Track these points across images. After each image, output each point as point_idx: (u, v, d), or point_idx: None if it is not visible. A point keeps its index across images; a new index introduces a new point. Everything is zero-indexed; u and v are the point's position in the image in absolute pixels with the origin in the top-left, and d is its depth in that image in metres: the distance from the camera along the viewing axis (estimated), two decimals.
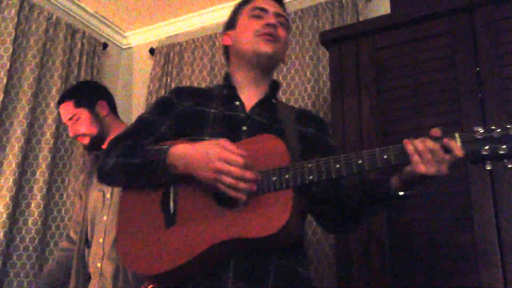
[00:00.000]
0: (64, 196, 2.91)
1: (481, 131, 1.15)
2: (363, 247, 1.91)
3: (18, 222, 2.70)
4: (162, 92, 3.23)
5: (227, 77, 1.57)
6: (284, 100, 2.68)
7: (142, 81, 3.51)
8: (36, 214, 2.73)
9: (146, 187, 1.37)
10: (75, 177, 2.93)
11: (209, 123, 1.43)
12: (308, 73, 2.76)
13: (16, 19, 2.83)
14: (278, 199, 1.22)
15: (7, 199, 2.62)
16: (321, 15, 2.84)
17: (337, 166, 1.22)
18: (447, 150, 1.16)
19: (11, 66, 2.78)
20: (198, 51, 3.25)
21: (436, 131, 1.20)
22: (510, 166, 1.14)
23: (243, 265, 1.24)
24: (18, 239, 2.67)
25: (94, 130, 2.25)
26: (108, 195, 2.16)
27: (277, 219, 1.19)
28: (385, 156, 1.20)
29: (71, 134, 2.31)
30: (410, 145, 1.18)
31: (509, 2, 1.93)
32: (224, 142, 1.26)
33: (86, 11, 3.39)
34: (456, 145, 1.16)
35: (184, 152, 1.28)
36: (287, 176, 1.24)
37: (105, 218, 2.13)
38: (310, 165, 1.24)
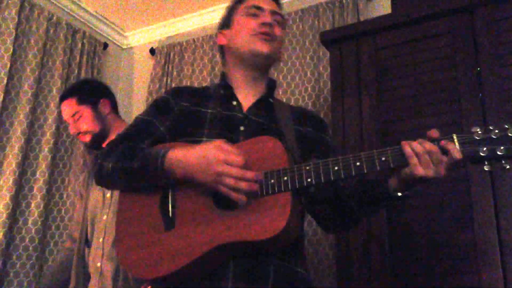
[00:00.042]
0: (64, 196, 2.91)
1: (479, 132, 1.15)
2: (363, 247, 1.91)
3: (18, 222, 2.70)
4: (163, 92, 3.23)
5: (224, 77, 1.56)
6: (284, 100, 2.68)
7: (143, 81, 3.51)
8: (36, 214, 2.73)
9: (144, 190, 1.37)
10: (75, 177, 2.93)
11: (206, 124, 1.42)
12: (308, 73, 2.76)
13: (16, 19, 2.83)
14: (277, 202, 1.22)
15: (7, 199, 2.62)
16: (322, 15, 2.84)
17: (336, 168, 1.22)
18: (445, 152, 1.16)
19: (11, 66, 2.78)
20: (199, 51, 3.26)
21: (433, 132, 1.20)
22: (508, 167, 1.14)
23: (242, 266, 1.24)
24: (18, 239, 2.67)
25: (96, 128, 2.24)
26: (108, 195, 2.16)
27: (276, 222, 1.19)
28: (383, 158, 1.19)
29: (72, 132, 2.29)
30: (408, 147, 1.17)
31: (509, 2, 1.93)
32: (222, 143, 1.25)
33: (87, 11, 3.39)
34: (454, 147, 1.15)
35: (182, 157, 1.27)
36: (285, 178, 1.23)
37: (105, 217, 2.12)
38: (308, 167, 1.24)
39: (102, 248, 2.09)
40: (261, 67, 1.52)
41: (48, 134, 2.88)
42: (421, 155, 1.16)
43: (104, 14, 3.46)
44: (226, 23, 1.58)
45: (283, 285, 1.26)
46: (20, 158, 2.71)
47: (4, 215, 2.59)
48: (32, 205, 2.75)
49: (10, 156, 2.70)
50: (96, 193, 2.21)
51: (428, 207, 1.86)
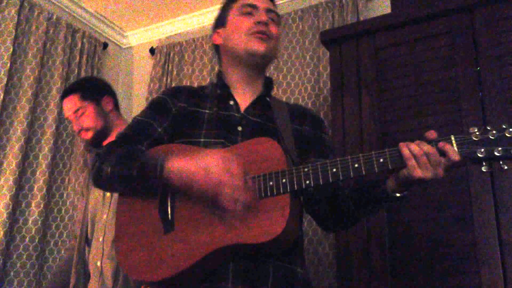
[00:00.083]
0: (64, 195, 2.92)
1: (477, 133, 1.15)
2: (363, 247, 1.91)
3: (19, 221, 2.70)
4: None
5: (220, 76, 1.54)
6: (284, 100, 2.68)
7: (142, 80, 3.51)
8: (36, 214, 2.73)
9: (143, 194, 1.36)
10: (75, 177, 2.94)
11: (204, 124, 1.41)
12: (308, 73, 2.76)
13: (16, 19, 2.83)
14: (276, 204, 1.22)
15: (8, 198, 2.62)
16: (322, 14, 2.84)
17: (334, 170, 1.22)
18: (443, 153, 1.16)
19: (11, 65, 2.78)
20: (198, 51, 3.26)
21: (431, 133, 1.19)
22: (506, 167, 1.14)
23: (242, 267, 1.24)
24: (18, 238, 2.67)
25: (98, 125, 2.23)
26: (108, 194, 2.16)
27: (275, 224, 1.19)
28: (381, 160, 1.19)
29: (75, 128, 2.28)
30: (406, 149, 1.17)
31: (509, 2, 1.93)
32: (223, 152, 1.23)
33: (87, 11, 3.39)
34: (452, 148, 1.15)
35: (181, 166, 1.25)
36: (284, 180, 1.23)
37: (105, 216, 2.12)
38: (306, 169, 1.23)
39: (102, 247, 2.09)
40: (258, 66, 1.51)
41: (48, 133, 2.88)
42: (419, 157, 1.16)
43: (104, 13, 3.46)
44: (220, 22, 1.57)
45: (282, 285, 1.26)
46: (20, 158, 2.71)
47: (5, 214, 2.59)
48: (32, 204, 2.75)
49: (10, 155, 2.70)
50: (97, 192, 2.21)
51: (428, 207, 1.86)
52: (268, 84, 1.55)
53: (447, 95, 1.95)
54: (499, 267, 1.69)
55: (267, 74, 1.59)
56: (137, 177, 1.30)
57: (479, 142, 1.14)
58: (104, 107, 2.27)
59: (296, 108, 1.59)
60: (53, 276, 2.35)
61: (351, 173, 1.20)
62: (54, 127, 2.91)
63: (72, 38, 3.17)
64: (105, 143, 2.24)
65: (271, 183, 1.23)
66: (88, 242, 2.18)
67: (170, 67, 3.32)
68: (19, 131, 2.75)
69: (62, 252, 2.80)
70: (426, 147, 1.16)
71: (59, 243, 2.82)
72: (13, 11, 2.83)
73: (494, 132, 1.13)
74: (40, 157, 2.84)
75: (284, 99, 2.71)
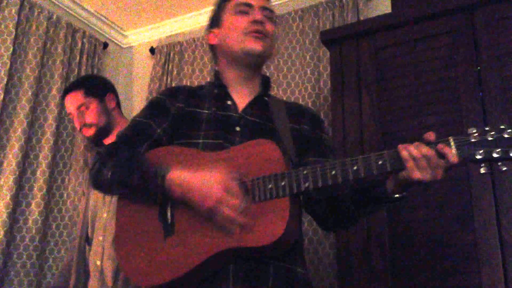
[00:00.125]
0: (65, 195, 2.91)
1: (475, 134, 1.15)
2: (363, 247, 1.91)
3: (19, 221, 2.70)
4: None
5: (217, 75, 1.54)
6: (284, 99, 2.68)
7: (143, 80, 3.51)
8: (36, 214, 2.73)
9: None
10: (75, 176, 2.93)
11: (202, 125, 1.41)
12: (308, 73, 2.76)
13: (16, 18, 2.83)
14: (275, 206, 1.22)
15: (8, 198, 2.62)
16: (322, 14, 2.83)
17: (333, 172, 1.22)
18: (441, 155, 1.16)
19: (11, 65, 2.78)
20: (199, 51, 3.25)
21: (430, 135, 1.19)
22: (505, 169, 1.14)
23: (242, 268, 1.24)
24: (18, 238, 2.67)
25: (101, 121, 2.23)
26: None
27: (275, 227, 1.19)
28: (380, 162, 1.19)
29: (78, 125, 2.28)
30: (405, 151, 1.17)
31: (509, 2, 1.93)
32: (225, 179, 1.23)
33: (87, 11, 3.39)
34: (451, 151, 1.15)
35: (182, 181, 1.26)
36: (283, 183, 1.23)
37: (105, 215, 2.12)
38: (305, 171, 1.24)
39: (102, 246, 2.09)
40: (255, 65, 1.50)
41: (48, 133, 2.88)
42: (418, 160, 1.16)
43: (104, 13, 3.46)
44: (215, 22, 1.56)
45: (283, 285, 1.27)
46: (20, 158, 2.71)
47: (5, 214, 2.59)
48: (33, 204, 2.75)
49: (10, 155, 2.70)
50: (97, 191, 2.21)
51: (429, 207, 1.86)
52: (266, 83, 1.55)
53: (447, 95, 1.95)
54: (499, 267, 1.69)
55: (267, 74, 1.59)
56: (137, 184, 1.31)
57: (478, 143, 1.14)
58: (107, 104, 2.28)
59: (294, 106, 1.58)
60: (57, 276, 2.35)
61: (350, 176, 1.21)
62: (54, 127, 2.90)
63: (72, 37, 3.17)
64: (105, 140, 2.25)
65: (270, 186, 1.23)
66: (88, 241, 2.18)
67: (170, 67, 3.32)
68: (19, 130, 2.75)
69: (62, 252, 2.80)
70: (425, 150, 1.16)
71: (59, 243, 2.82)
72: (13, 10, 2.83)
73: (492, 133, 1.14)
74: (40, 157, 2.84)
75: (284, 99, 2.71)
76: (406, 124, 1.99)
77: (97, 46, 3.36)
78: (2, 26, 2.78)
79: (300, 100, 2.73)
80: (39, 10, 3.00)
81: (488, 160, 1.14)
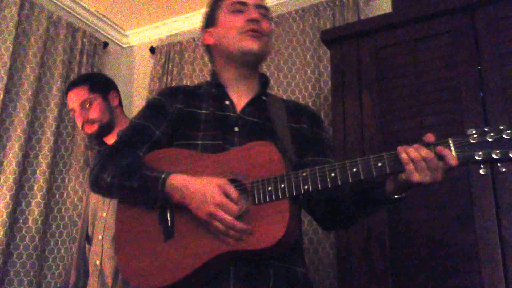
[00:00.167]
0: (64, 195, 2.91)
1: (474, 135, 1.14)
2: (363, 247, 1.91)
3: (19, 221, 2.70)
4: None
5: (214, 75, 1.53)
6: None
7: (143, 80, 3.51)
8: (36, 213, 2.73)
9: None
10: (75, 176, 2.93)
11: (201, 126, 1.41)
12: (309, 72, 2.76)
13: (16, 18, 2.83)
14: (275, 209, 1.22)
15: (7, 198, 2.62)
16: (322, 14, 2.83)
17: (332, 175, 1.22)
18: (441, 158, 1.16)
19: (11, 64, 2.78)
20: (199, 50, 3.25)
21: (429, 137, 1.19)
22: (504, 170, 1.14)
23: (243, 269, 1.25)
24: (18, 238, 2.67)
25: (105, 118, 2.23)
26: None
27: (276, 229, 1.19)
28: (380, 164, 1.19)
29: (80, 121, 2.26)
30: (404, 154, 1.17)
31: (510, 2, 1.92)
32: (224, 184, 1.23)
33: (87, 10, 3.39)
34: (450, 153, 1.15)
35: (182, 186, 1.26)
36: (282, 185, 1.23)
37: (104, 214, 2.12)
38: (305, 173, 1.23)
39: (101, 245, 2.09)
40: (252, 64, 1.50)
41: (48, 133, 2.88)
42: (417, 162, 1.16)
43: (104, 13, 3.46)
44: (210, 21, 1.55)
45: (283, 285, 1.27)
46: (20, 157, 2.71)
47: (4, 214, 2.59)
48: (32, 204, 2.75)
49: (10, 155, 2.70)
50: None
51: (429, 207, 1.86)
52: (264, 81, 1.54)
53: (448, 94, 1.94)
54: (500, 267, 1.68)
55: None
56: (137, 189, 1.30)
57: (477, 144, 1.14)
58: (110, 101, 2.29)
59: (292, 105, 1.57)
60: (66, 275, 2.35)
61: (350, 178, 1.20)
62: (54, 126, 2.90)
63: (73, 37, 3.17)
64: (106, 138, 2.25)
65: (269, 188, 1.23)
66: (89, 240, 2.18)
67: (170, 67, 3.32)
68: (19, 130, 2.74)
69: (62, 251, 2.80)
70: (424, 152, 1.16)
71: (59, 243, 2.82)
72: (13, 10, 2.83)
73: (492, 134, 1.13)
74: (40, 157, 2.84)
75: (282, 97, 2.70)
76: (406, 124, 1.98)
77: (97, 46, 3.36)
78: (2, 26, 2.78)
79: (301, 99, 2.73)
80: (39, 10, 3.00)
81: (487, 161, 1.14)
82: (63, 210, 2.88)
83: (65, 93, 2.49)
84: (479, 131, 1.15)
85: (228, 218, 1.20)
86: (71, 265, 2.30)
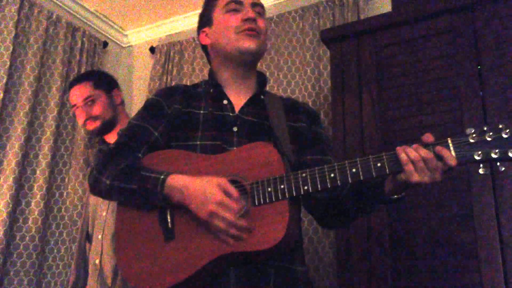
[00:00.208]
0: (64, 194, 2.91)
1: (473, 135, 1.14)
2: (363, 246, 1.91)
3: (18, 220, 2.70)
4: None
5: (212, 75, 1.53)
6: None
7: (143, 79, 3.51)
8: (36, 213, 2.73)
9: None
10: (75, 176, 2.93)
11: (199, 126, 1.41)
12: (309, 72, 2.76)
13: (16, 18, 2.82)
14: (275, 210, 1.22)
15: (7, 197, 2.61)
16: (322, 13, 2.83)
17: (332, 175, 1.22)
18: (440, 158, 1.16)
19: (11, 64, 2.78)
20: (199, 50, 3.24)
21: (428, 136, 1.19)
22: (503, 169, 1.14)
23: (243, 270, 1.25)
24: (18, 237, 2.67)
25: (108, 115, 2.24)
26: None
27: (276, 231, 1.19)
28: (379, 164, 1.19)
29: (82, 117, 2.26)
30: (403, 154, 1.17)
31: (510, 1, 1.92)
32: (224, 183, 1.23)
33: (87, 10, 3.38)
34: (449, 153, 1.15)
35: (181, 187, 1.26)
36: (282, 186, 1.23)
37: (104, 213, 2.12)
38: (304, 174, 1.24)
39: (101, 244, 2.09)
40: (250, 63, 1.49)
41: (48, 132, 2.88)
42: (416, 162, 1.16)
43: (104, 12, 3.46)
44: (206, 21, 1.54)
45: (283, 285, 1.27)
46: (20, 157, 2.71)
47: (4, 213, 2.59)
48: (32, 203, 2.75)
49: (10, 154, 2.70)
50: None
51: (429, 206, 1.86)
52: (262, 80, 1.54)
53: (448, 93, 1.94)
54: (499, 267, 1.68)
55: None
56: (137, 191, 1.30)
57: (476, 144, 1.14)
58: (114, 98, 2.30)
59: (290, 103, 1.57)
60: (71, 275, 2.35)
61: (349, 179, 1.21)
62: (54, 126, 2.90)
63: (72, 37, 3.16)
64: (107, 136, 2.25)
65: (269, 189, 1.23)
66: (89, 238, 2.18)
67: (170, 66, 3.32)
68: (19, 130, 2.74)
69: (62, 251, 2.80)
70: (423, 152, 1.16)
71: (59, 243, 2.82)
72: (13, 9, 2.82)
73: (491, 133, 1.13)
74: (40, 156, 2.83)
75: (281, 95, 2.70)
76: (406, 123, 1.98)
77: (97, 45, 3.36)
78: (2, 25, 2.78)
79: (300, 99, 2.73)
80: (39, 9, 2.99)
81: (487, 161, 1.14)
82: (63, 210, 2.88)
83: (67, 89, 2.49)
84: (478, 130, 1.15)
85: (229, 215, 1.20)
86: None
